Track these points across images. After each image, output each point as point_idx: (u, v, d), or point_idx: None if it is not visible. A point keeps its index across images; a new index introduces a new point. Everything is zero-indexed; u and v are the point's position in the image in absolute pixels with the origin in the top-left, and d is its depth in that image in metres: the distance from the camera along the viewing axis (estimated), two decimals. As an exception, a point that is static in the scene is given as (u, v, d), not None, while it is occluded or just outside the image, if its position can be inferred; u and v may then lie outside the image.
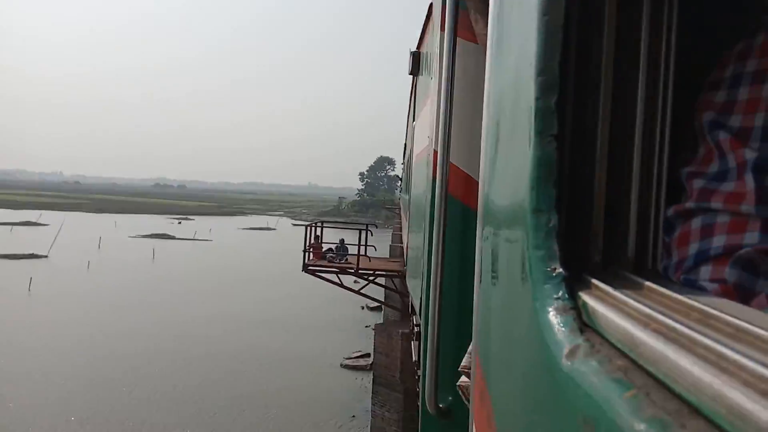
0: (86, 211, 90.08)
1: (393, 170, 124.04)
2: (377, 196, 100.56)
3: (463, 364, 1.50)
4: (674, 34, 0.62)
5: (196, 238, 52.30)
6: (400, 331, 10.64)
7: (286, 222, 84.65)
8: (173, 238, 53.28)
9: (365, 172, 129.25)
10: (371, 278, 14.18)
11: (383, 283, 14.63)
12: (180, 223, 74.45)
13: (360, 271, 13.79)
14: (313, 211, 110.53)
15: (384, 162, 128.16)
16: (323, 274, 14.20)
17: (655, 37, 0.61)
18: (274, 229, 69.81)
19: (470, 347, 1.45)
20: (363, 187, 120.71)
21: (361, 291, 14.20)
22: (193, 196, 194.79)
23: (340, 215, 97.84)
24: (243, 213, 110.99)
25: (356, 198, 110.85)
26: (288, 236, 52.77)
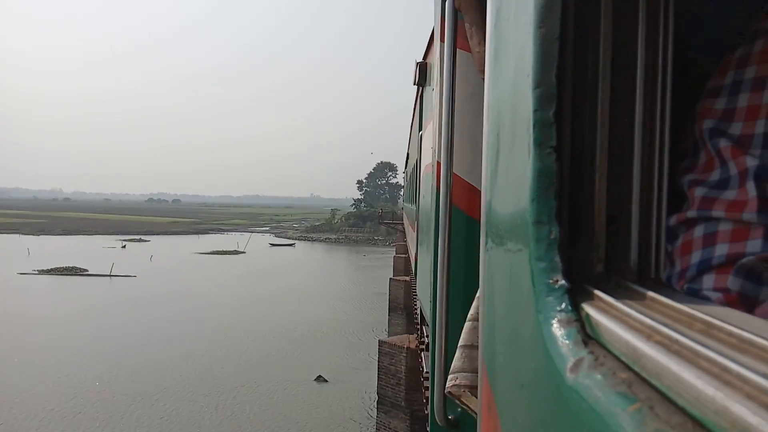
0: (25, 233, 78.30)
1: (395, 177, 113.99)
2: (376, 206, 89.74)
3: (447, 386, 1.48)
4: (671, 42, 0.62)
5: (114, 273, 39.16)
6: (406, 346, 10.07)
7: (264, 241, 76.55)
8: (83, 274, 39.91)
9: (364, 180, 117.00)
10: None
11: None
12: (124, 247, 62.42)
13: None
14: (304, 226, 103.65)
15: (384, 168, 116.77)
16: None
17: (651, 45, 0.61)
18: (243, 252, 60.35)
19: (460, 342, 1.45)
20: (361, 197, 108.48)
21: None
22: (177, 210, 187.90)
23: (332, 230, 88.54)
24: (220, 230, 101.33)
25: (351, 209, 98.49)
26: (254, 265, 47.26)
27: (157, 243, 70.46)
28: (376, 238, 78.23)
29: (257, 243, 72.14)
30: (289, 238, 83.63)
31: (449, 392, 1.47)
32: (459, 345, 1.44)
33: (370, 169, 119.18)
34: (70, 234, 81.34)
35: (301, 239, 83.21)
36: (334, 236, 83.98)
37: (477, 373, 1.09)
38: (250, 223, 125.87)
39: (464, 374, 1.41)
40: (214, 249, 61.51)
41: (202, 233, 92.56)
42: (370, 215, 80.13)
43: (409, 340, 10.25)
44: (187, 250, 61.39)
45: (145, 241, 73.69)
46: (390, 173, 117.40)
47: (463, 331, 1.45)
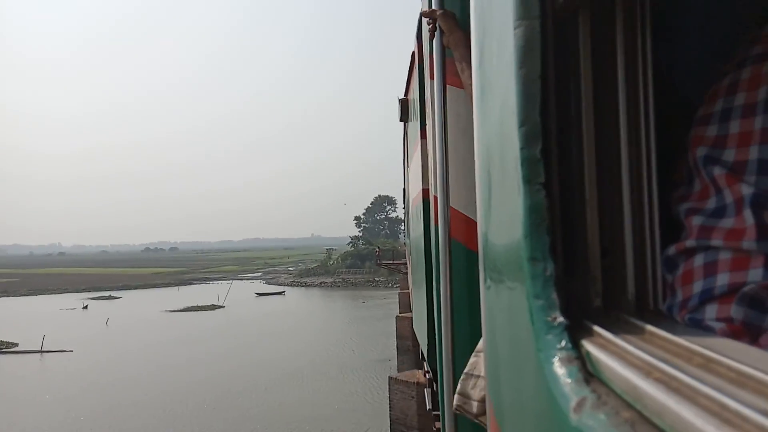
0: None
1: (394, 211, 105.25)
2: (375, 242, 78.84)
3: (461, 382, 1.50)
4: (650, 71, 0.63)
5: (46, 349, 31.35)
6: (416, 381, 9.60)
7: (251, 290, 67.50)
8: (8, 351, 32.05)
9: (361, 216, 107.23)
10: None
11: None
12: (86, 308, 53.88)
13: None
14: (299, 269, 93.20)
15: (383, 202, 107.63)
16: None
17: (632, 78, 0.62)
18: (222, 306, 51.87)
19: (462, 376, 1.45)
20: (360, 234, 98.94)
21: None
22: (170, 259, 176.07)
23: (327, 273, 79.72)
24: (205, 280, 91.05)
25: (349, 248, 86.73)
26: (229, 326, 39.86)
27: (128, 300, 62.93)
28: (376, 279, 68.94)
29: (242, 293, 64.01)
30: (280, 285, 75.37)
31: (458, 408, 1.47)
32: (465, 372, 1.44)
33: (368, 204, 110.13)
34: (35, 294, 72.31)
35: (294, 285, 75.06)
36: (330, 279, 75.28)
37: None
38: (241, 269, 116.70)
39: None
40: (190, 305, 53.01)
41: (184, 284, 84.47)
42: (369, 254, 70.35)
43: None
44: (158, 306, 52.97)
45: (115, 298, 65.39)
46: (389, 207, 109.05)
47: (469, 362, 1.44)
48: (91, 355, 30.01)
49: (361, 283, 69.53)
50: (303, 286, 73.79)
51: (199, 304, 52.89)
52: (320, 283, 73.25)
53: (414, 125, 3.11)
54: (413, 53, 3.39)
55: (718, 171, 0.68)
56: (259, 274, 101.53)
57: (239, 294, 61.70)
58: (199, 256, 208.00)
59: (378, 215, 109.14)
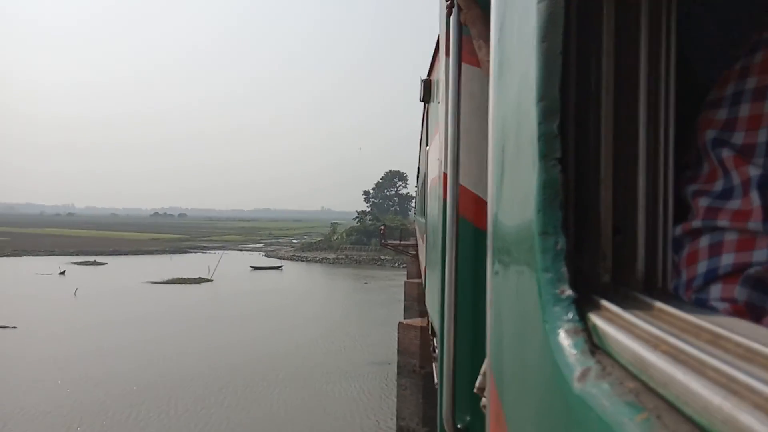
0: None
1: (405, 187, 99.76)
2: (383, 219, 72.95)
3: (477, 385, 1.49)
4: (673, 54, 0.63)
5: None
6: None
7: (248, 262, 63.18)
8: None
9: (371, 191, 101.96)
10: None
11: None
12: (63, 273, 49.88)
13: None
14: (303, 243, 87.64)
15: (393, 177, 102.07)
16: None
17: (654, 58, 0.62)
18: (209, 280, 47.33)
19: (483, 367, 1.44)
20: (368, 209, 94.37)
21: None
22: (176, 225, 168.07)
23: (331, 248, 75.10)
24: (203, 248, 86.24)
25: (355, 224, 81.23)
26: (211, 304, 35.29)
27: (113, 267, 58.65)
28: (382, 258, 64.47)
29: (238, 265, 59.36)
30: (280, 258, 71.54)
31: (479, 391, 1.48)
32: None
33: (378, 179, 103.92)
34: (20, 255, 68.10)
35: (294, 259, 70.91)
36: (333, 255, 70.85)
37: None
38: (244, 239, 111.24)
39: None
40: (176, 276, 48.60)
41: (180, 252, 79.62)
42: (376, 230, 63.60)
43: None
44: (141, 276, 48.45)
45: (100, 264, 61.15)
46: (400, 183, 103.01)
47: None
48: (34, 333, 25.42)
49: (366, 261, 65.43)
50: (304, 261, 70.11)
51: (185, 276, 48.49)
52: (322, 259, 69.42)
53: (436, 106, 3.10)
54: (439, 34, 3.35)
55: (726, 153, 0.68)
56: (261, 245, 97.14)
57: (233, 266, 56.96)
58: (206, 223, 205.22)
59: (388, 191, 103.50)
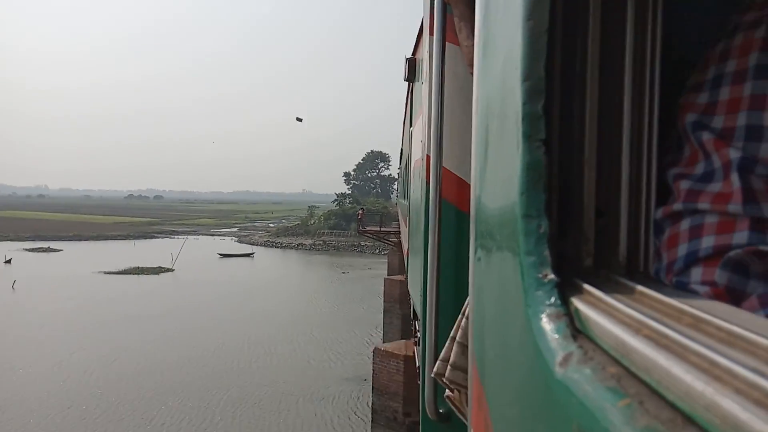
0: None
1: (387, 168, 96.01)
2: (364, 201, 68.96)
3: (435, 371, 1.48)
4: (659, 35, 0.62)
5: None
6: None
7: (217, 248, 59.31)
8: None
9: (351, 172, 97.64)
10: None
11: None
12: (8, 262, 46.39)
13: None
14: (278, 227, 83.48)
15: (375, 158, 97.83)
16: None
17: (640, 38, 0.61)
18: (170, 270, 43.93)
19: (444, 352, 1.44)
20: (349, 191, 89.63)
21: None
22: (148, 208, 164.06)
23: (308, 233, 71.56)
24: (172, 233, 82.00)
25: (334, 207, 76.02)
26: (166, 299, 31.63)
27: (68, 254, 54.63)
28: (362, 243, 60.00)
29: (205, 252, 55.39)
30: (252, 244, 67.58)
31: (437, 375, 1.47)
32: (456, 339, 1.43)
33: (359, 160, 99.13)
34: None
35: (268, 245, 67.03)
36: (310, 241, 66.97)
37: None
38: (218, 223, 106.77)
39: (457, 372, 1.40)
40: (134, 265, 45.21)
41: (145, 237, 75.34)
42: (355, 214, 58.43)
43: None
44: (95, 265, 44.69)
45: (55, 250, 57.60)
46: (382, 164, 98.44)
47: (460, 326, 1.44)
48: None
49: (344, 248, 60.95)
50: (278, 247, 65.82)
51: (144, 266, 45.03)
52: (298, 245, 65.01)
53: (420, 86, 3.07)
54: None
55: (706, 136, 0.68)
56: (236, 229, 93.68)
57: (200, 253, 53.05)
58: (180, 206, 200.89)
59: (369, 172, 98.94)
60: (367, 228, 32.41)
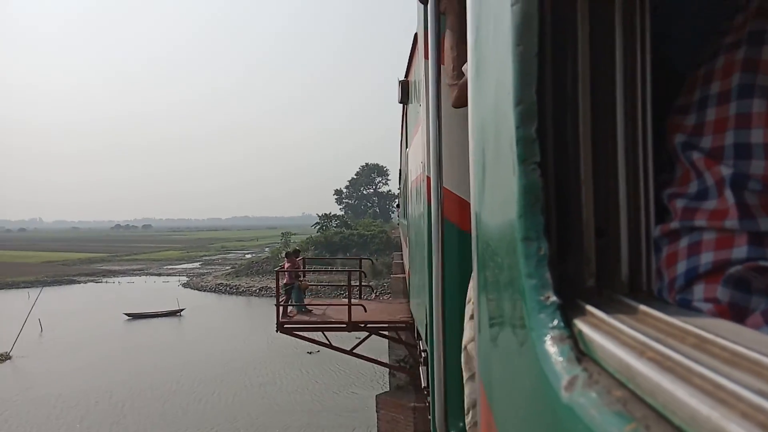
0: None
1: (386, 184, 79.62)
2: (356, 223, 54.78)
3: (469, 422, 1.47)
4: (648, 53, 0.62)
5: None
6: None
7: (144, 298, 43.32)
8: None
9: (344, 190, 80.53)
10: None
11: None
12: None
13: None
14: (245, 262, 63.44)
15: (371, 172, 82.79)
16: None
17: (630, 58, 0.62)
18: (7, 358, 26.25)
19: (465, 377, 1.43)
20: (342, 211, 74.26)
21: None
22: (104, 240, 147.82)
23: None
24: (107, 275, 66.56)
25: (315, 233, 56.52)
26: None
27: None
28: (352, 284, 12.24)
29: (113, 308, 38.05)
30: (200, 289, 51.66)
31: None
32: (464, 380, 1.42)
33: (352, 175, 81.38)
34: None
35: (219, 290, 50.76)
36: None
37: None
38: (182, 256, 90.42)
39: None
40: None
41: (59, 284, 58.25)
42: (344, 242, 44.68)
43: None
44: None
45: None
46: (379, 179, 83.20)
47: (462, 362, 1.43)
48: None
49: (328, 291, 33.42)
50: (233, 293, 48.89)
51: None
52: (259, 290, 46.78)
53: (415, 107, 3.10)
54: (415, 34, 3.35)
55: (696, 155, 0.69)
56: (197, 264, 77.53)
57: (102, 312, 36.10)
58: (153, 236, 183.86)
59: (365, 189, 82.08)
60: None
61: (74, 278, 64.30)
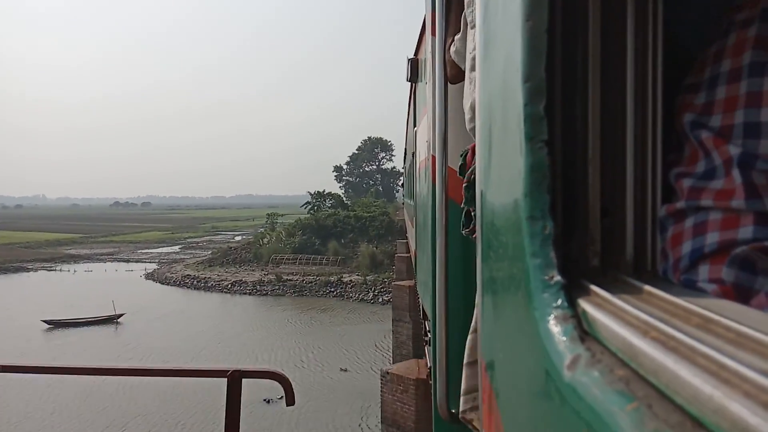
0: None
1: (389, 160, 71.83)
2: (356, 203, 47.48)
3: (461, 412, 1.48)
4: (660, 33, 0.61)
5: None
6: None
7: (91, 293, 36.64)
8: None
9: (344, 166, 72.35)
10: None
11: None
12: None
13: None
14: (221, 249, 54.60)
15: (374, 147, 73.90)
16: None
17: (641, 36, 0.61)
18: None
19: (465, 359, 1.44)
20: (342, 188, 67.18)
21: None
22: (101, 218, 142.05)
23: (257, 258, 43.52)
24: (69, 260, 59.86)
25: (306, 215, 48.17)
26: None
27: None
28: (344, 279, 34.13)
29: (51, 305, 32.04)
30: (164, 282, 44.06)
31: (463, 417, 1.47)
32: (465, 363, 1.43)
33: (354, 149, 72.63)
34: None
35: (185, 284, 42.55)
36: (258, 275, 40.32)
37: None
38: (164, 237, 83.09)
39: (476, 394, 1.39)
40: None
41: (9, 272, 52.07)
42: (337, 227, 37.82)
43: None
44: None
45: None
46: (383, 154, 74.72)
47: (467, 346, 1.44)
48: None
49: (315, 288, 33.21)
50: (199, 287, 40.97)
51: None
52: (232, 285, 39.44)
53: (423, 86, 3.07)
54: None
55: (705, 134, 0.68)
56: (177, 248, 70.96)
57: (26, 317, 29.11)
58: (160, 213, 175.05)
59: (368, 165, 73.77)
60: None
61: (25, 265, 57.31)
